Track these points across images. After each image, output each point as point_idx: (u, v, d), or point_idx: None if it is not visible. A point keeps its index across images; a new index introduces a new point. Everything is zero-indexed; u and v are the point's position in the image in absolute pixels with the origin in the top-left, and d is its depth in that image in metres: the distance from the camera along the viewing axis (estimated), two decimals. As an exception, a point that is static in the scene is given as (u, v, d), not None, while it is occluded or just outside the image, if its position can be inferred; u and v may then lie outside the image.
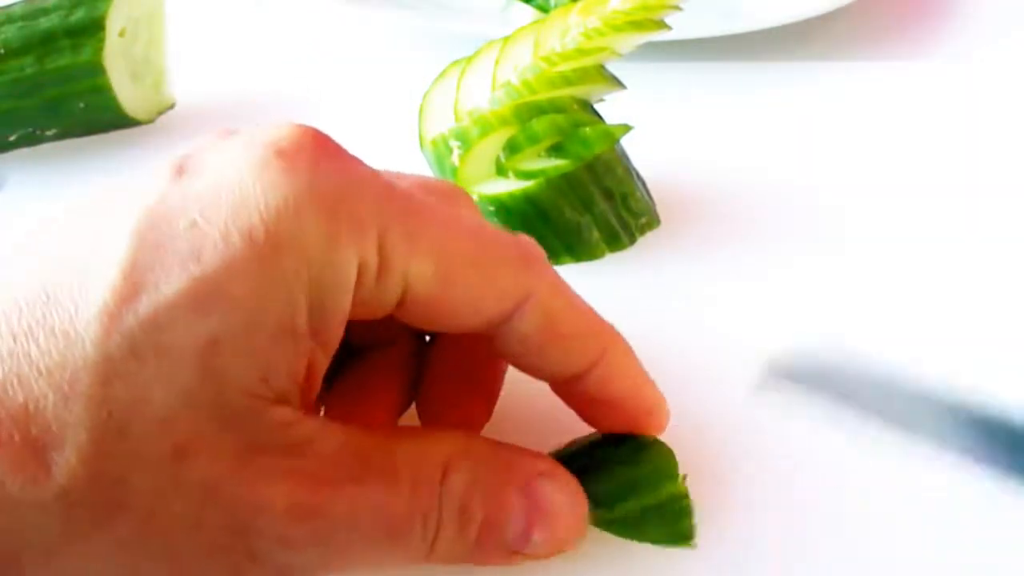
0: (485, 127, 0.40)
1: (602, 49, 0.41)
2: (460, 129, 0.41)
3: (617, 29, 0.41)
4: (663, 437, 0.30)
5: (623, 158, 0.42)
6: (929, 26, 0.63)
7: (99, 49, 0.47)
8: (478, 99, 0.41)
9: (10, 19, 0.47)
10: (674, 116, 0.50)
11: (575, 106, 0.41)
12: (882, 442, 0.31)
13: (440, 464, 0.25)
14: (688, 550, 0.29)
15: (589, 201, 0.40)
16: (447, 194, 0.30)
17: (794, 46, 0.59)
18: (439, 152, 0.41)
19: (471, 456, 0.26)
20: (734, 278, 0.40)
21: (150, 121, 0.50)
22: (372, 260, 0.25)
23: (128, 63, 0.49)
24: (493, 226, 0.28)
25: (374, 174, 0.26)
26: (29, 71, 0.46)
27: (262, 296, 0.23)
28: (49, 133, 0.48)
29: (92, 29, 0.47)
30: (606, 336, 0.28)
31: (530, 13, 0.60)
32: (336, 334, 0.25)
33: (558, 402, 0.29)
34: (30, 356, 0.23)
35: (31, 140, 0.48)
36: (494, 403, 0.31)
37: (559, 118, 0.40)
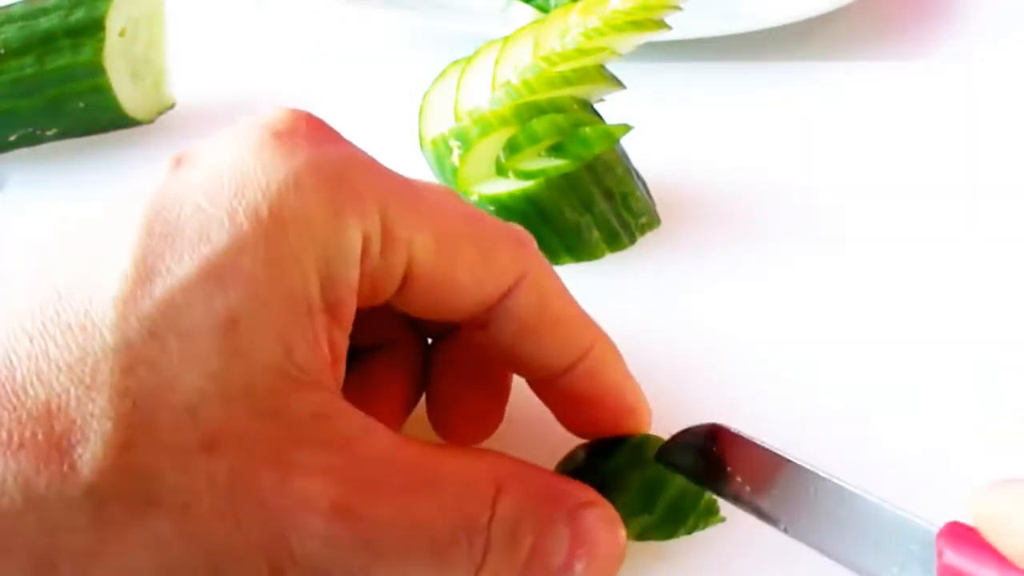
0: (485, 127, 0.40)
1: (602, 49, 0.41)
2: (460, 129, 0.41)
3: (617, 29, 0.41)
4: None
5: (623, 158, 0.42)
6: (929, 26, 0.63)
7: (99, 49, 0.47)
8: (478, 99, 0.41)
9: (10, 19, 0.47)
10: (674, 116, 0.50)
11: (575, 106, 0.41)
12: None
13: (492, 484, 0.25)
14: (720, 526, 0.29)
15: (589, 201, 0.40)
16: (436, 190, 0.30)
17: (794, 46, 0.59)
18: (439, 152, 0.41)
19: (521, 479, 0.25)
20: (734, 278, 0.40)
21: (150, 121, 0.50)
22: (375, 232, 0.25)
23: (128, 63, 0.49)
24: (481, 210, 0.28)
25: (368, 154, 0.26)
26: (29, 71, 0.46)
27: (273, 271, 0.23)
28: (49, 133, 0.48)
29: (92, 29, 0.47)
30: (595, 329, 0.28)
31: (530, 13, 0.60)
32: (349, 309, 0.25)
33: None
34: (48, 354, 0.22)
35: (31, 140, 0.48)
36: (504, 404, 0.31)
37: (559, 118, 0.40)
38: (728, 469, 0.27)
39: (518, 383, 0.30)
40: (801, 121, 0.51)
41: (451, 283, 0.26)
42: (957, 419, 0.33)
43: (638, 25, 0.42)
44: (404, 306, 0.27)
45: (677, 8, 0.42)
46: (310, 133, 0.25)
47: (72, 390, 0.22)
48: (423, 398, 0.31)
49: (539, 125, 0.40)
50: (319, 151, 0.25)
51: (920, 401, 0.34)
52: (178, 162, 0.25)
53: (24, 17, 0.47)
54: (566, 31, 0.42)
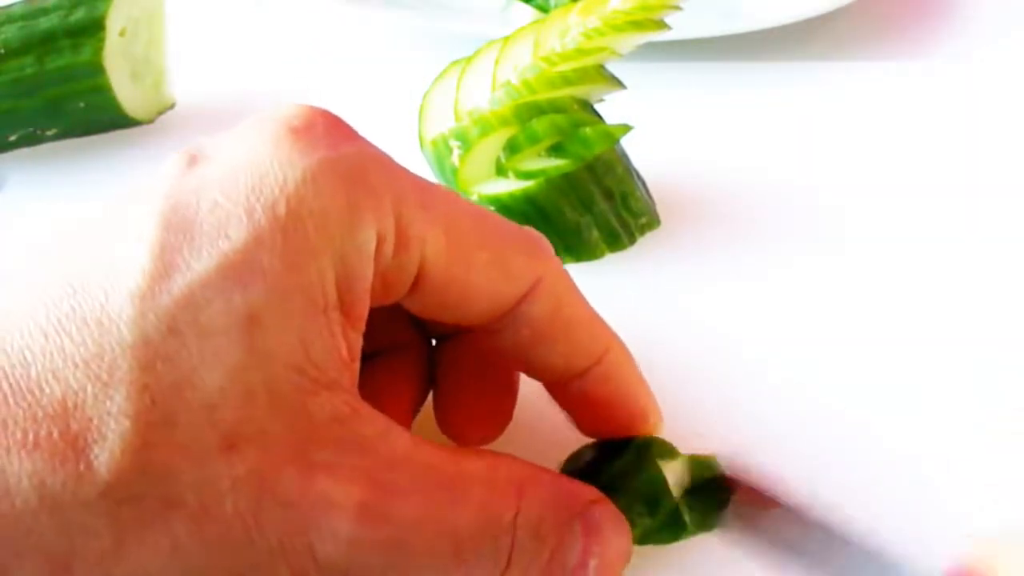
0: (485, 127, 0.40)
1: (602, 49, 0.41)
2: (460, 129, 0.41)
3: (617, 29, 0.41)
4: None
5: (623, 158, 0.42)
6: (929, 26, 0.63)
7: (99, 49, 0.47)
8: (478, 99, 0.41)
9: (10, 19, 0.47)
10: (674, 116, 0.50)
11: (575, 106, 0.41)
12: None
13: (513, 485, 0.25)
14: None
15: (589, 201, 0.40)
16: (451, 193, 0.30)
17: (794, 46, 0.59)
18: (439, 152, 0.41)
19: (538, 481, 0.25)
20: (734, 278, 0.40)
21: (150, 121, 0.50)
22: (389, 231, 0.25)
23: (128, 63, 0.49)
24: (497, 214, 0.28)
25: (384, 153, 0.26)
26: (29, 71, 0.46)
27: (292, 268, 0.23)
28: (49, 133, 0.48)
29: (92, 29, 0.47)
30: (609, 333, 0.28)
31: (530, 13, 0.60)
32: (363, 309, 0.25)
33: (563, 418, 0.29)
34: (64, 351, 0.22)
35: (31, 140, 0.48)
36: (513, 404, 0.31)
37: (559, 118, 0.40)
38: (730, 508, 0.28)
39: (523, 381, 0.30)
40: (801, 121, 0.51)
41: (464, 286, 0.26)
42: (957, 419, 0.33)
43: (638, 25, 0.42)
44: (415, 308, 0.27)
45: (677, 8, 0.42)
46: (327, 130, 0.25)
47: (89, 387, 0.21)
48: (428, 399, 0.31)
49: (539, 125, 0.40)
50: (336, 148, 0.25)
51: (920, 401, 0.34)
52: (192, 158, 0.25)
53: (24, 17, 0.47)
54: (566, 31, 0.42)
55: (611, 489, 0.28)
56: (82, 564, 0.21)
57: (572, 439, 0.30)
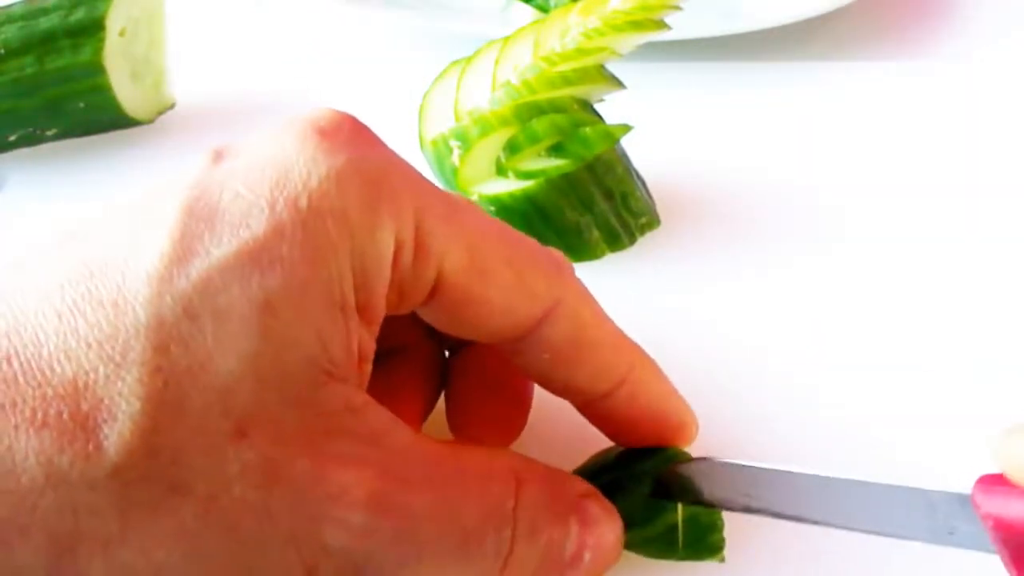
0: (485, 127, 0.40)
1: (602, 49, 0.41)
2: (460, 129, 0.41)
3: (617, 29, 0.41)
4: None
5: (623, 158, 0.42)
6: (929, 26, 0.63)
7: (99, 49, 0.47)
8: (478, 99, 0.41)
9: (10, 19, 0.47)
10: (674, 116, 0.50)
11: (575, 106, 0.41)
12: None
13: (512, 476, 0.25)
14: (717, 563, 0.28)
15: (589, 201, 0.40)
16: (475, 207, 0.30)
17: (794, 46, 0.59)
18: (439, 152, 0.41)
19: (535, 472, 0.26)
20: (734, 278, 0.40)
21: (150, 121, 0.50)
22: (409, 238, 0.25)
23: (128, 63, 0.49)
24: (520, 232, 0.28)
25: (408, 163, 0.26)
26: (29, 71, 0.46)
27: (310, 261, 0.23)
28: (49, 133, 0.48)
29: (92, 29, 0.47)
30: (633, 351, 0.28)
31: (530, 13, 0.60)
32: (378, 312, 0.25)
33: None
34: (77, 331, 0.22)
35: (31, 140, 0.48)
36: (527, 410, 0.31)
37: (559, 118, 0.40)
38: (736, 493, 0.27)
39: (544, 399, 0.30)
40: (801, 121, 0.51)
41: (482, 302, 0.26)
42: (957, 418, 0.33)
43: (638, 25, 0.42)
44: (431, 319, 0.27)
45: (677, 8, 0.42)
46: (353, 134, 0.25)
47: (101, 368, 0.21)
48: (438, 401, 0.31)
49: (539, 125, 0.40)
50: (361, 152, 0.25)
51: (920, 401, 0.34)
52: (218, 154, 0.25)
53: (24, 17, 0.47)
54: (566, 31, 0.42)
55: (618, 489, 0.28)
56: (86, 545, 0.21)
57: (587, 450, 0.30)
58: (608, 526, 0.26)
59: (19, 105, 0.47)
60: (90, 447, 0.21)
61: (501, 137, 0.40)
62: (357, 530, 0.22)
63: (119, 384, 0.21)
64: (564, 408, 0.29)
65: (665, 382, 0.29)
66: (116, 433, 0.21)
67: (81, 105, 0.47)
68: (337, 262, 0.23)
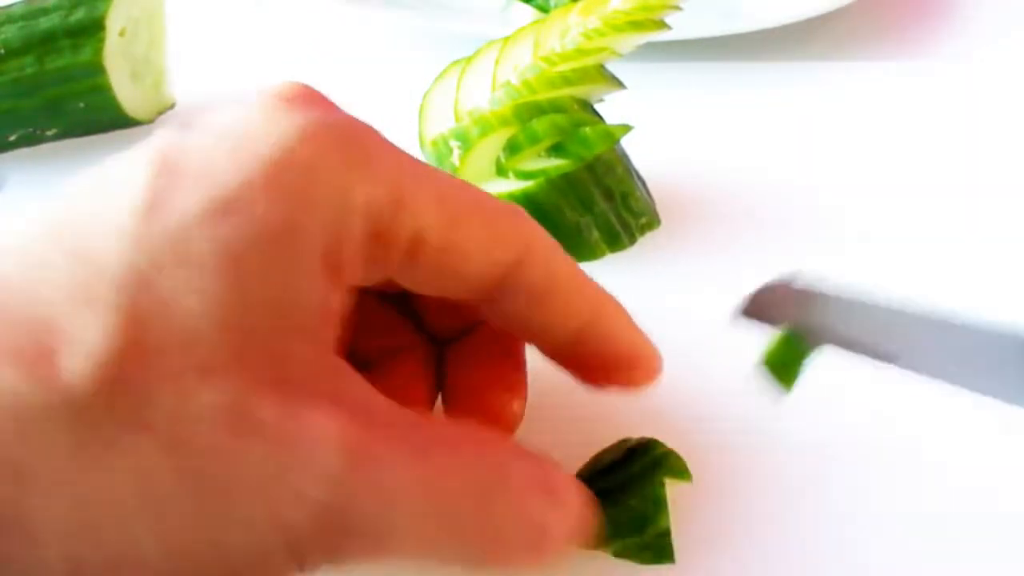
0: (485, 127, 0.40)
1: (602, 49, 0.41)
2: (460, 129, 0.41)
3: (617, 29, 0.41)
4: (666, 438, 0.30)
5: (623, 158, 0.42)
6: (929, 26, 0.63)
7: (99, 49, 0.47)
8: (478, 99, 0.41)
9: (10, 19, 0.47)
10: (674, 116, 0.50)
11: (575, 106, 0.41)
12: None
13: (495, 448, 0.25)
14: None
15: (589, 201, 0.40)
16: (437, 168, 0.30)
17: (794, 46, 0.59)
18: (439, 152, 0.41)
19: (513, 447, 0.26)
20: (734, 278, 0.40)
21: (150, 121, 0.50)
22: (384, 194, 0.24)
23: (128, 63, 0.49)
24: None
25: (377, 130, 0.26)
26: (29, 71, 0.46)
27: (278, 213, 0.23)
28: (49, 133, 0.48)
29: (92, 29, 0.47)
30: (598, 289, 0.29)
31: (530, 13, 0.60)
32: (353, 271, 0.24)
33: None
34: (45, 278, 0.22)
35: (31, 140, 0.48)
36: (523, 404, 0.31)
37: (559, 118, 0.40)
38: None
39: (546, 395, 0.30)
40: (801, 121, 0.51)
41: (458, 253, 0.26)
42: (956, 418, 0.33)
43: (638, 25, 0.42)
44: (411, 282, 0.27)
45: (677, 8, 0.42)
46: (317, 100, 0.26)
47: (67, 307, 0.21)
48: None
49: (539, 125, 0.40)
50: (329, 114, 0.25)
51: (919, 398, 0.34)
52: (185, 124, 0.25)
53: (24, 17, 0.47)
54: (566, 31, 0.42)
55: (610, 496, 0.28)
56: (38, 477, 0.21)
57: (585, 455, 0.30)
58: (582, 502, 0.26)
59: (19, 105, 0.47)
60: (47, 375, 0.21)
61: (501, 137, 0.40)
62: (332, 479, 0.21)
63: (81, 320, 0.21)
64: (562, 408, 0.29)
65: (629, 319, 0.29)
66: (74, 363, 0.21)
67: (81, 105, 0.47)
68: (307, 215, 0.23)
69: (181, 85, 0.52)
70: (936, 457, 0.31)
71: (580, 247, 0.41)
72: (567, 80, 0.41)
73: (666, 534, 0.28)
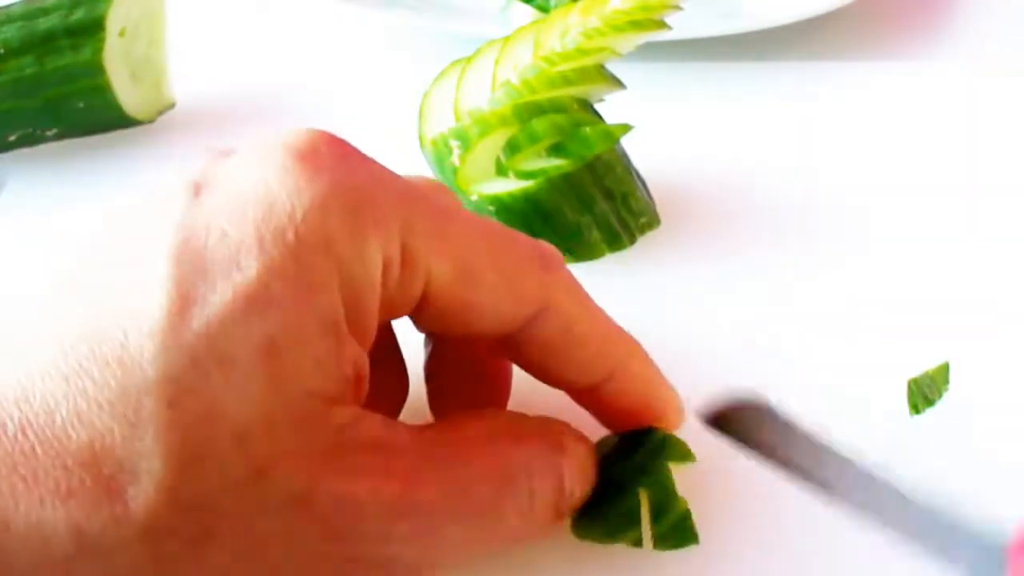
0: (485, 127, 0.40)
1: (602, 49, 0.41)
2: (460, 129, 0.41)
3: (617, 29, 0.41)
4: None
5: (623, 158, 0.42)
6: (929, 26, 0.63)
7: (99, 49, 0.47)
8: (478, 99, 0.41)
9: (10, 19, 0.47)
10: (674, 116, 0.50)
11: (575, 106, 0.41)
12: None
13: (509, 438, 0.26)
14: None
15: (589, 201, 0.40)
16: (436, 191, 0.30)
17: (794, 46, 0.59)
18: (439, 152, 0.41)
19: (524, 425, 0.27)
20: (734, 278, 0.40)
21: (150, 121, 0.50)
22: (396, 254, 0.25)
23: (128, 63, 0.49)
24: (510, 229, 0.28)
25: (391, 173, 0.26)
26: (29, 71, 0.46)
27: (305, 296, 0.23)
28: (49, 133, 0.48)
29: (92, 29, 0.47)
30: (622, 342, 0.29)
31: (530, 13, 0.60)
32: (370, 331, 0.25)
33: (573, 405, 0.29)
34: (86, 393, 0.22)
35: (31, 140, 0.48)
36: (507, 392, 0.31)
37: (559, 118, 0.40)
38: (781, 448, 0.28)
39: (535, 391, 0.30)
40: (801, 121, 0.51)
41: (470, 308, 0.26)
42: (956, 418, 0.33)
43: (638, 25, 0.42)
44: (420, 324, 0.27)
45: (677, 8, 0.42)
46: (332, 154, 0.25)
47: (116, 428, 0.22)
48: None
49: (539, 125, 0.40)
50: (342, 173, 0.25)
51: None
52: (196, 187, 0.25)
53: (24, 17, 0.47)
54: (566, 31, 0.42)
55: (620, 488, 0.28)
56: None
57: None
58: (585, 451, 0.28)
59: (19, 105, 0.47)
60: (117, 511, 0.21)
61: (501, 137, 0.40)
62: (377, 538, 0.24)
63: (137, 444, 0.22)
64: (553, 401, 0.29)
65: (653, 370, 0.29)
66: (141, 493, 0.21)
67: (81, 105, 0.47)
68: (329, 292, 0.24)
69: (181, 85, 0.52)
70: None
71: (580, 247, 0.41)
72: (567, 80, 0.41)
73: (687, 516, 0.28)
